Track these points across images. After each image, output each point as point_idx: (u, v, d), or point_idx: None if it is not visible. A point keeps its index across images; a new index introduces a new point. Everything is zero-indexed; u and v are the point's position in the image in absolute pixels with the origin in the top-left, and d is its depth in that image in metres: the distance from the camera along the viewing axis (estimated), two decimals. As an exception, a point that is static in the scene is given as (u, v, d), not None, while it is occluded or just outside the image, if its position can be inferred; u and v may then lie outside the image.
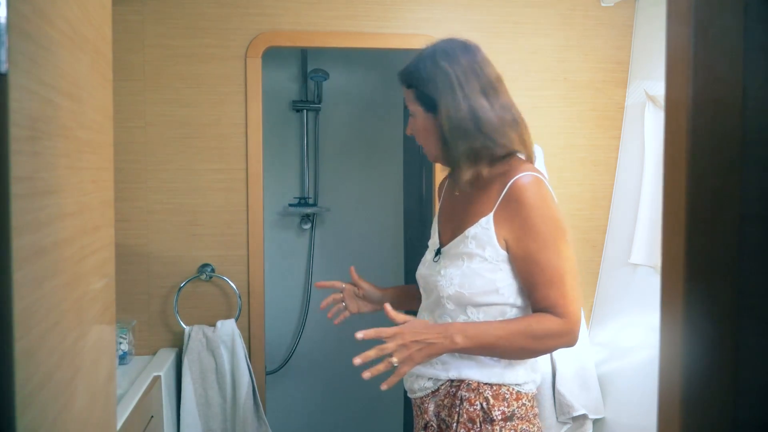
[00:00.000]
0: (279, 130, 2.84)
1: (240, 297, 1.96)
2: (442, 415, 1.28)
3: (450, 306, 1.27)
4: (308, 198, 2.86)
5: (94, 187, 0.74)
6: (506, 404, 1.25)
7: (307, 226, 2.89)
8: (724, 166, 0.47)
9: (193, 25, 1.93)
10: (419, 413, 1.34)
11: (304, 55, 2.81)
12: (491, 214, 1.24)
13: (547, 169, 2.03)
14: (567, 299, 1.19)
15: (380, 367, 1.18)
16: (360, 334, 1.18)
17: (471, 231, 1.26)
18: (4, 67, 0.47)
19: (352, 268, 1.58)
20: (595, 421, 1.97)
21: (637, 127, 1.99)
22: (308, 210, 2.81)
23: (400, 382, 1.33)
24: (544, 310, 1.21)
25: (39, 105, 0.55)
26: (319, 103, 2.81)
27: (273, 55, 2.16)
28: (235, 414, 1.88)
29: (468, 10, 2.03)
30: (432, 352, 1.19)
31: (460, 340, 1.18)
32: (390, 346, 1.18)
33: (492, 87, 1.28)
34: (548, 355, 1.95)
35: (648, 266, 1.86)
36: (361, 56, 2.87)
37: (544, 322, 1.19)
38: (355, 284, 1.56)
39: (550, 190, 1.25)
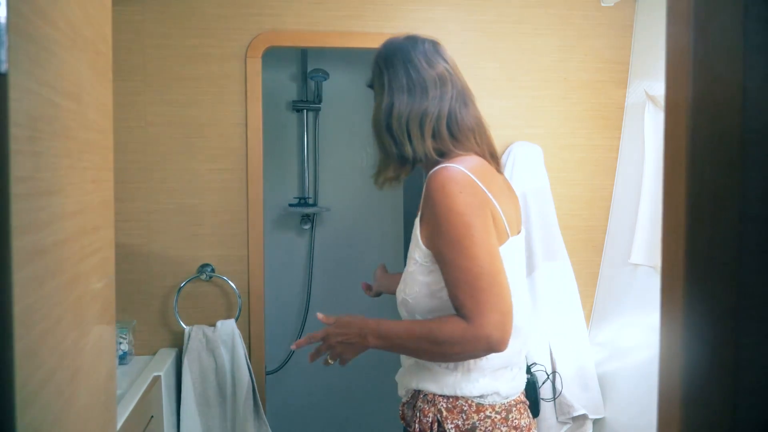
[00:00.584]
0: (279, 130, 2.84)
1: (240, 297, 1.96)
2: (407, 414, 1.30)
3: (403, 313, 1.25)
4: (308, 198, 2.86)
5: (95, 187, 0.74)
6: (463, 417, 1.18)
7: (307, 226, 2.89)
8: (724, 166, 0.47)
9: (193, 25, 1.93)
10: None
11: (304, 55, 2.81)
12: (419, 215, 1.21)
13: (547, 169, 2.03)
14: (473, 301, 1.09)
15: (323, 363, 1.29)
16: (293, 346, 1.30)
17: (412, 233, 1.24)
18: (4, 67, 0.47)
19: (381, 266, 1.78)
20: (595, 421, 1.97)
21: (637, 127, 1.99)
22: (308, 210, 2.81)
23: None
24: (456, 311, 1.13)
25: (39, 105, 0.55)
26: (319, 103, 2.81)
27: (273, 55, 2.16)
28: (235, 414, 1.88)
29: (468, 10, 2.03)
30: (356, 350, 1.24)
31: (371, 340, 1.21)
32: (321, 348, 1.28)
33: (422, 82, 1.24)
34: (548, 355, 1.95)
35: (648, 266, 1.86)
36: (361, 56, 2.87)
37: (447, 327, 1.11)
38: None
39: (468, 181, 1.14)
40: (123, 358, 1.84)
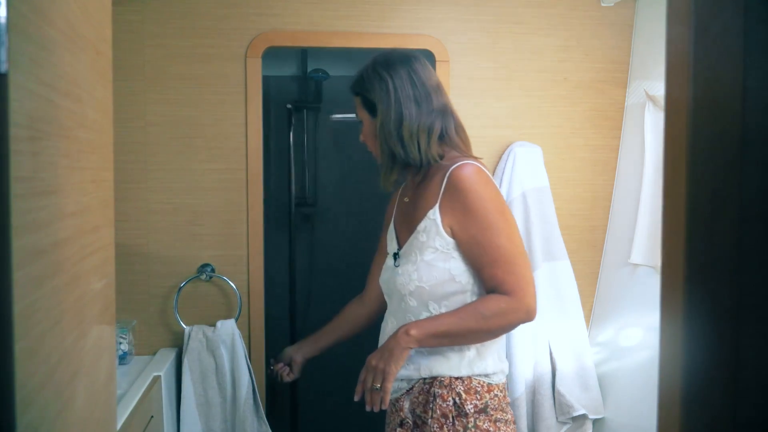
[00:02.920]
0: (279, 130, 2.84)
1: (240, 297, 1.96)
2: (417, 411, 1.34)
3: (412, 303, 1.33)
4: (308, 198, 2.86)
5: (94, 187, 0.74)
6: (478, 397, 1.30)
7: (308, 226, 2.89)
8: (724, 166, 0.47)
9: (193, 25, 1.93)
10: (393, 411, 1.41)
11: (304, 55, 2.81)
12: (437, 205, 1.30)
13: (546, 169, 2.03)
14: (513, 276, 1.24)
15: (374, 397, 1.31)
16: (356, 397, 1.36)
17: (421, 225, 1.32)
18: (4, 67, 0.47)
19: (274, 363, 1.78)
20: (595, 421, 1.97)
21: (637, 127, 1.99)
22: (308, 210, 2.81)
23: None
24: (492, 290, 1.27)
25: (39, 105, 0.55)
26: (319, 103, 2.81)
27: (273, 55, 2.16)
28: (235, 414, 1.88)
29: (468, 9, 2.03)
30: (395, 354, 1.27)
31: (414, 332, 1.26)
32: (361, 377, 1.33)
33: (426, 95, 1.35)
34: (548, 355, 1.95)
35: (648, 266, 1.86)
36: (361, 56, 2.87)
37: (491, 302, 1.25)
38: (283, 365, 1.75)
39: (489, 176, 1.32)
40: (123, 358, 1.84)
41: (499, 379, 1.35)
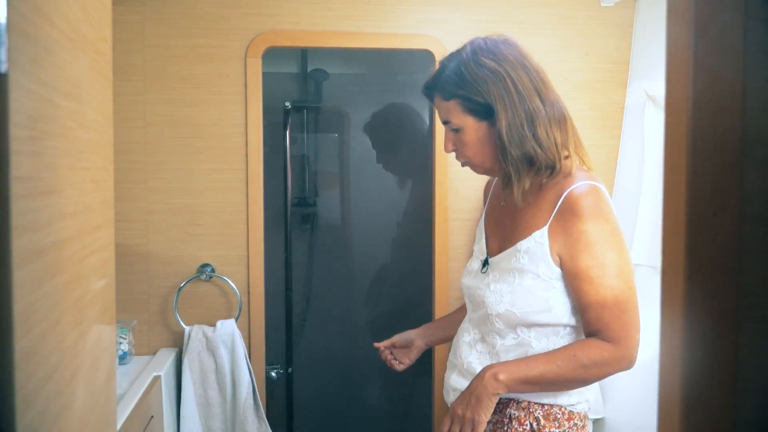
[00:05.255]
0: (279, 130, 2.84)
1: (240, 297, 1.96)
2: (488, 428, 1.25)
3: (499, 324, 1.21)
4: (308, 198, 2.86)
5: (94, 187, 0.74)
6: (557, 424, 1.19)
7: (307, 226, 2.89)
8: (724, 166, 0.47)
9: (193, 25, 1.93)
10: None
11: (304, 55, 2.81)
12: (546, 228, 1.15)
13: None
14: (621, 323, 1.10)
15: None
16: None
17: (523, 245, 1.18)
18: (4, 67, 0.47)
19: (377, 345, 1.56)
20: (595, 421, 1.97)
21: (637, 127, 1.99)
22: (308, 210, 2.81)
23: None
24: (594, 332, 1.13)
25: (39, 105, 0.55)
26: (319, 103, 2.81)
27: (273, 55, 2.17)
28: (235, 414, 1.88)
29: (468, 9, 2.03)
30: (483, 402, 1.13)
31: (503, 377, 1.13)
32: (444, 427, 1.17)
33: (542, 81, 1.18)
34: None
35: (648, 266, 1.86)
36: (361, 56, 2.87)
37: (592, 349, 1.11)
38: (390, 346, 1.54)
39: (609, 203, 1.16)
40: (123, 358, 1.84)
41: (582, 408, 1.23)
